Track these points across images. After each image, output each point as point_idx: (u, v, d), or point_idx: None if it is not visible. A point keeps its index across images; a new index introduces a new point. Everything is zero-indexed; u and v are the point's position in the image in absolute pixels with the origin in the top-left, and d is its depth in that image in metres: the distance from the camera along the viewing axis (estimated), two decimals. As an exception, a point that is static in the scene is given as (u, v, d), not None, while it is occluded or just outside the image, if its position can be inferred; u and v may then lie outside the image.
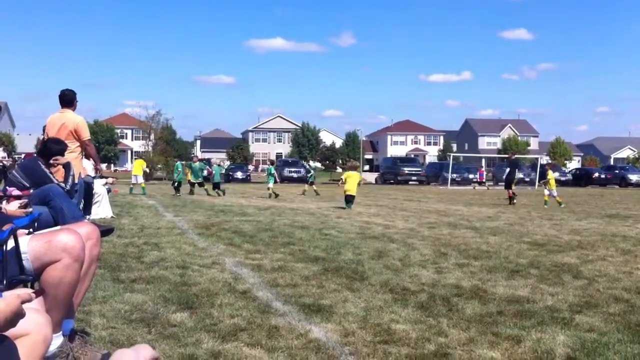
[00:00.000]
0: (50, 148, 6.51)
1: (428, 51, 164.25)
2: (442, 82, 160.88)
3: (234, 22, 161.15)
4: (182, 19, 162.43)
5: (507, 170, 22.74)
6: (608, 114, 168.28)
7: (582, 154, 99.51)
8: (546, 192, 20.66)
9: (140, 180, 27.00)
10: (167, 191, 28.06)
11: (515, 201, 20.98)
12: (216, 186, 25.13)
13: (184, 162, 27.85)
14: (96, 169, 9.02)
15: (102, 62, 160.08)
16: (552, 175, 21.22)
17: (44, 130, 13.11)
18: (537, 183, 44.65)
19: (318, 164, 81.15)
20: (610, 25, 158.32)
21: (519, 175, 49.86)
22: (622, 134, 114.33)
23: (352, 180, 17.40)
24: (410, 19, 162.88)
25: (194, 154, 78.19)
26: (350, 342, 4.00)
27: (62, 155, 6.63)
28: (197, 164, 26.12)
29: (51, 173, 6.18)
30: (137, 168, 27.51)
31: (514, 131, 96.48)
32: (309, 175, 29.04)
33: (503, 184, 23.03)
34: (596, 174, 53.14)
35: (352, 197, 17.22)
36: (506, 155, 69.65)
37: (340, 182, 17.96)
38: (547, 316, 4.75)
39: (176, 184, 25.61)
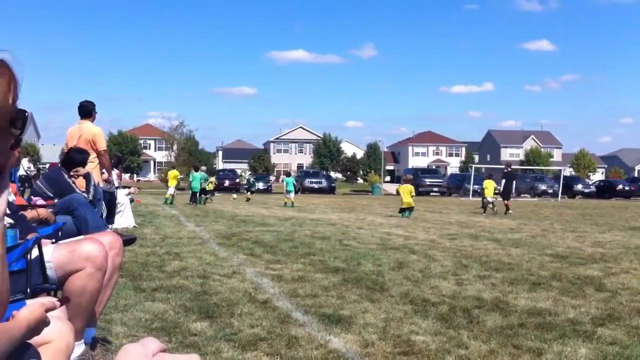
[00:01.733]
0: (73, 158, 6.60)
1: (449, 62, 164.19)
2: (464, 93, 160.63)
3: (256, 34, 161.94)
4: (204, 31, 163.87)
5: (503, 182, 23.41)
6: (632, 125, 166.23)
7: (606, 166, 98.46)
8: (490, 199, 21.97)
9: (172, 191, 26.48)
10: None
11: (510, 211, 21.54)
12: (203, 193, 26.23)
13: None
14: (107, 180, 9.07)
15: (126, 74, 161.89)
16: (490, 184, 22.49)
17: None
18: (560, 195, 44.30)
19: (339, 175, 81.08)
20: (633, 35, 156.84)
21: (543, 187, 49.88)
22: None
23: (405, 193, 18.77)
24: (432, 31, 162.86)
25: (215, 164, 78.57)
26: (370, 353, 4.00)
27: (85, 164, 6.72)
28: (197, 174, 26.62)
29: (74, 183, 6.27)
30: (171, 179, 27.04)
31: (537, 142, 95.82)
32: (249, 184, 31.72)
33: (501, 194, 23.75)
34: (620, 186, 52.51)
35: (411, 208, 18.71)
36: (529, 167, 69.32)
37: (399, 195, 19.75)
38: (569, 329, 4.71)
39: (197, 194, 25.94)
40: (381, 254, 9.07)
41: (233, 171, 61.66)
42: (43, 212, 4.50)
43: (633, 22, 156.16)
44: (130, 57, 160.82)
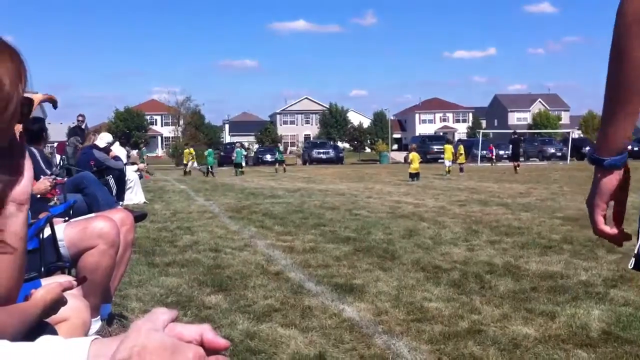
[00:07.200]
0: (32, 129, 6.31)
1: (451, 27, 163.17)
2: (467, 59, 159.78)
3: (256, 6, 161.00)
4: (203, 4, 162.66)
5: (511, 147, 28.48)
6: None
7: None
8: (448, 163, 25.39)
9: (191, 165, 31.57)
10: (196, 176, 28.43)
11: (518, 171, 25.29)
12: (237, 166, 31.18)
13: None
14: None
15: (129, 50, 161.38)
16: (461, 150, 27.79)
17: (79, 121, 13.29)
18: (568, 158, 44.12)
19: (347, 145, 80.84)
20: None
21: (551, 150, 49.69)
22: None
23: (416, 159, 21.53)
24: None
25: (222, 138, 78.71)
26: (383, 321, 4.02)
27: (45, 128, 6.39)
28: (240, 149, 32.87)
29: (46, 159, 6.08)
30: (186, 156, 32.20)
31: (544, 105, 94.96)
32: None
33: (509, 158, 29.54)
34: (629, 147, 52.15)
35: (418, 173, 21.34)
36: (537, 131, 68.99)
37: (408, 163, 22.39)
38: (581, 291, 4.72)
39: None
40: (391, 222, 9.08)
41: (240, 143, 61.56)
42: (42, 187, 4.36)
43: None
44: (129, 33, 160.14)
